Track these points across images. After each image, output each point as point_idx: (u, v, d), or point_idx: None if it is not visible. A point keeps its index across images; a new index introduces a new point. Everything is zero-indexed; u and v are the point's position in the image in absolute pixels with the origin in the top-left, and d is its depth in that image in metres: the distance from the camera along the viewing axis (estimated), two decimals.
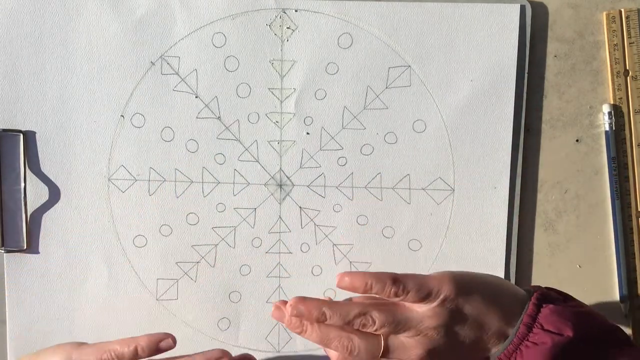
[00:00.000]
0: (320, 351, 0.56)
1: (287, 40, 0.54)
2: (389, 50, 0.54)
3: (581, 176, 0.55)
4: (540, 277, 0.56)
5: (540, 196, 0.55)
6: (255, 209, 0.55)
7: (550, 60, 0.55)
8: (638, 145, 0.55)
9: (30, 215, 0.55)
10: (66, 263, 0.55)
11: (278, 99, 0.54)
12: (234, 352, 0.56)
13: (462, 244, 0.55)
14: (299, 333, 0.45)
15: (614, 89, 0.54)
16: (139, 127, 0.54)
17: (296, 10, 0.53)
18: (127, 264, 0.55)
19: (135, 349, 0.45)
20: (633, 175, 0.55)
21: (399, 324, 0.43)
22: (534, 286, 0.47)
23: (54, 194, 0.55)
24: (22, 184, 0.54)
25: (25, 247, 0.55)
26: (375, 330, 0.44)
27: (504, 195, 0.55)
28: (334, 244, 0.55)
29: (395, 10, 0.53)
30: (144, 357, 0.46)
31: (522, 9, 0.53)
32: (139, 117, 0.54)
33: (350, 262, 0.55)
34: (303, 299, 0.45)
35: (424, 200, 0.55)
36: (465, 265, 0.55)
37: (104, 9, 0.53)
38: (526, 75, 0.54)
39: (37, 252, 0.55)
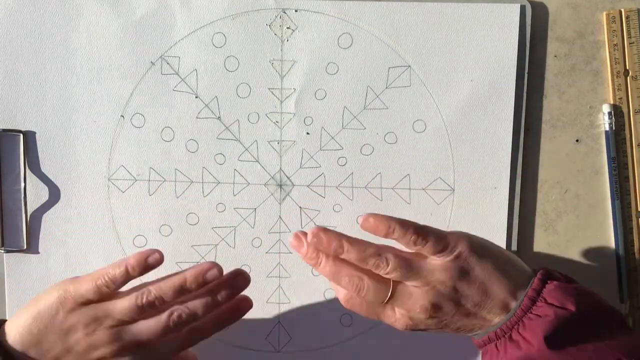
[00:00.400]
0: (320, 351, 0.56)
1: (287, 40, 0.54)
2: (389, 50, 0.54)
3: (581, 176, 0.55)
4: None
5: (540, 196, 0.55)
6: (255, 209, 0.55)
7: (550, 60, 0.55)
8: (638, 145, 0.55)
9: (30, 215, 0.55)
10: (66, 263, 0.55)
11: (278, 99, 0.54)
12: (235, 352, 0.56)
13: None
14: (314, 265, 0.46)
15: (614, 89, 0.54)
16: (139, 127, 0.54)
17: (296, 10, 0.53)
18: None
19: (126, 269, 0.45)
20: (633, 175, 0.55)
21: (410, 271, 0.45)
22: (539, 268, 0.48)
23: (54, 194, 0.55)
24: (22, 184, 0.54)
25: (25, 247, 0.55)
26: (387, 273, 0.45)
27: (504, 195, 0.55)
28: None
29: (395, 10, 0.53)
30: (136, 276, 0.46)
31: (522, 9, 0.53)
32: (139, 117, 0.54)
33: None
34: (324, 229, 0.46)
35: (424, 200, 0.55)
36: None
37: (104, 9, 0.53)
38: (526, 75, 0.54)
39: (37, 252, 0.55)
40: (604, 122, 0.54)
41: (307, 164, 0.55)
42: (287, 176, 0.55)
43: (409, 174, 0.55)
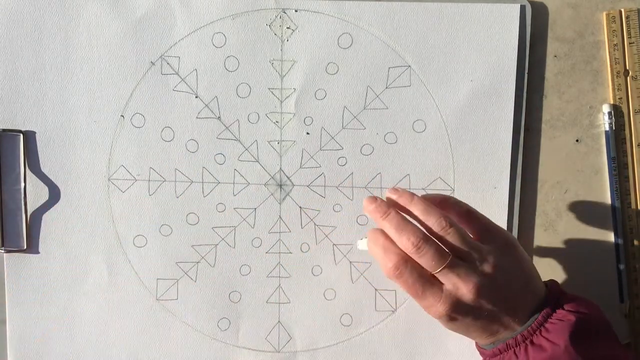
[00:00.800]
0: (320, 351, 0.56)
1: (287, 40, 0.54)
2: (389, 50, 0.54)
3: (581, 176, 0.55)
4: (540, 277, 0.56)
5: (540, 196, 0.55)
6: (255, 209, 0.55)
7: (550, 60, 0.55)
8: (638, 145, 0.55)
9: (30, 215, 0.55)
10: (66, 263, 0.55)
11: (278, 99, 0.54)
12: (234, 352, 0.56)
13: None
14: (381, 216, 0.46)
15: (614, 89, 0.54)
16: (139, 127, 0.54)
17: (296, 10, 0.53)
18: (127, 264, 0.55)
19: None
20: (633, 175, 0.55)
21: (471, 247, 0.45)
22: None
23: (54, 194, 0.55)
24: (22, 184, 0.54)
25: (25, 247, 0.55)
26: (448, 234, 0.44)
27: (504, 195, 0.55)
28: (334, 244, 0.55)
29: (395, 10, 0.53)
30: None
31: (522, 9, 0.53)
32: (139, 117, 0.54)
33: (350, 262, 0.55)
34: (396, 190, 0.48)
35: None
36: None
37: (104, 9, 0.53)
38: (526, 75, 0.54)
39: (37, 252, 0.55)
40: (604, 122, 0.54)
41: (307, 164, 0.55)
42: (287, 176, 0.55)
43: (409, 174, 0.55)
